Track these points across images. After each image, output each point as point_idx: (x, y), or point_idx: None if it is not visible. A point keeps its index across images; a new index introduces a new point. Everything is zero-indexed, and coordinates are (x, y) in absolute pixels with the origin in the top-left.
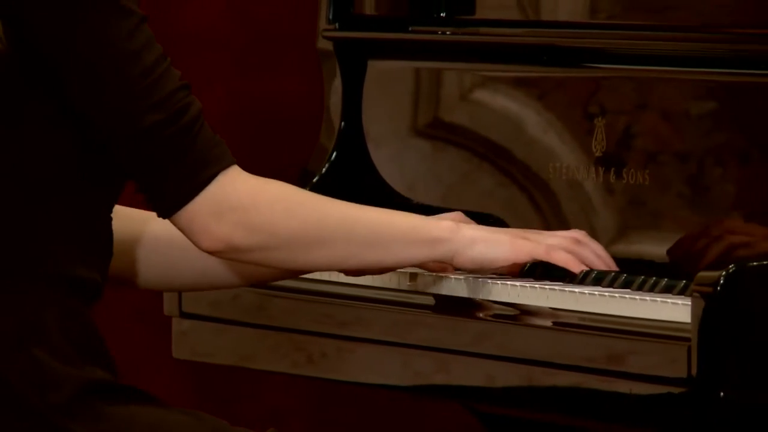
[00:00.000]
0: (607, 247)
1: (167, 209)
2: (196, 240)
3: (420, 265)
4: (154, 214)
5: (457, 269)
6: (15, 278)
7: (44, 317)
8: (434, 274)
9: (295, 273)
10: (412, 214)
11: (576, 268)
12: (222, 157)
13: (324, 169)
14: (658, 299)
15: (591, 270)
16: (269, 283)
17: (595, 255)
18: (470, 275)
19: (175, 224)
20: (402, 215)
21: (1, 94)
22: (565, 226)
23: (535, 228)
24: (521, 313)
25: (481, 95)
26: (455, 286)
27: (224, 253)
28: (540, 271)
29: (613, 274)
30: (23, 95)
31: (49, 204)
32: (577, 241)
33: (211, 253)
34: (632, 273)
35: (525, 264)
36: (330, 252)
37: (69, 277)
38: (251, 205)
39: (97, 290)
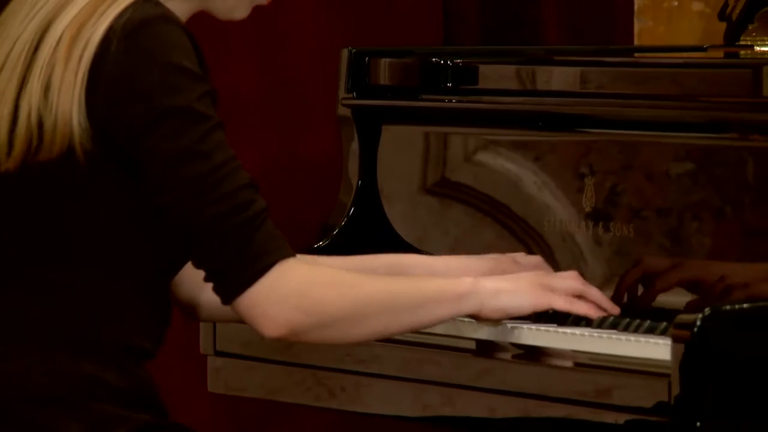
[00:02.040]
0: None
1: (229, 295)
2: (258, 326)
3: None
4: None
5: (484, 320)
6: (81, 346)
7: (102, 377)
8: None
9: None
10: (432, 264)
11: (595, 314)
12: (280, 249)
13: (343, 223)
14: (641, 339)
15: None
16: None
17: (600, 296)
18: (472, 318)
19: (237, 312)
20: (428, 280)
21: (84, 187)
22: None
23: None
24: (518, 352)
25: (484, 157)
26: (460, 329)
27: (285, 337)
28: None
29: (600, 317)
30: (102, 189)
31: (118, 284)
32: (584, 284)
33: (273, 337)
34: (618, 315)
35: None
36: (376, 324)
37: (127, 346)
38: (306, 291)
39: (149, 354)
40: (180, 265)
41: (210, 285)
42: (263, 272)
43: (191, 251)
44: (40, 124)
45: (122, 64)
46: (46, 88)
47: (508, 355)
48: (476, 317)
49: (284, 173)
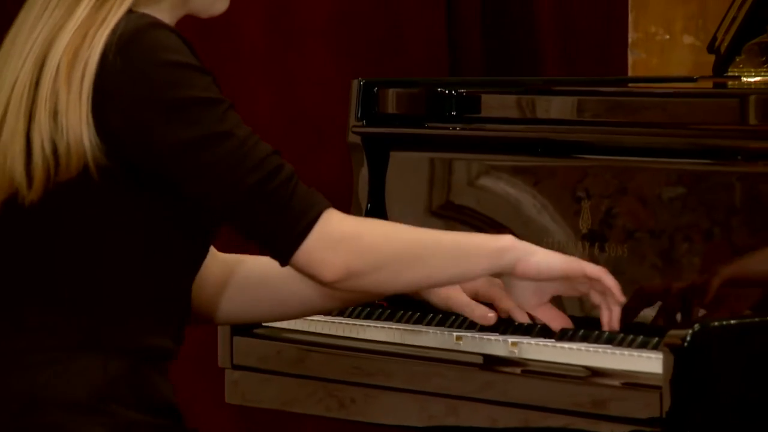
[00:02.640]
0: (590, 309)
1: (285, 254)
2: (318, 273)
3: (474, 295)
4: (245, 257)
5: (520, 277)
6: (106, 348)
7: (124, 379)
8: (447, 333)
9: (385, 295)
10: (474, 233)
11: (619, 294)
12: (321, 201)
13: None
14: (635, 353)
15: (577, 329)
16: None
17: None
18: (476, 333)
19: (295, 267)
20: (468, 234)
21: (101, 200)
22: None
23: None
24: (519, 365)
25: (486, 181)
26: (465, 344)
27: (344, 281)
28: (511, 327)
29: (596, 332)
30: (118, 200)
31: (139, 289)
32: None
33: (332, 283)
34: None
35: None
36: (425, 268)
37: (149, 346)
38: (357, 234)
39: (169, 354)
40: (197, 267)
41: (260, 254)
42: (312, 224)
43: (239, 225)
44: (55, 150)
45: (123, 74)
46: (54, 115)
47: (509, 369)
48: (512, 273)
49: None
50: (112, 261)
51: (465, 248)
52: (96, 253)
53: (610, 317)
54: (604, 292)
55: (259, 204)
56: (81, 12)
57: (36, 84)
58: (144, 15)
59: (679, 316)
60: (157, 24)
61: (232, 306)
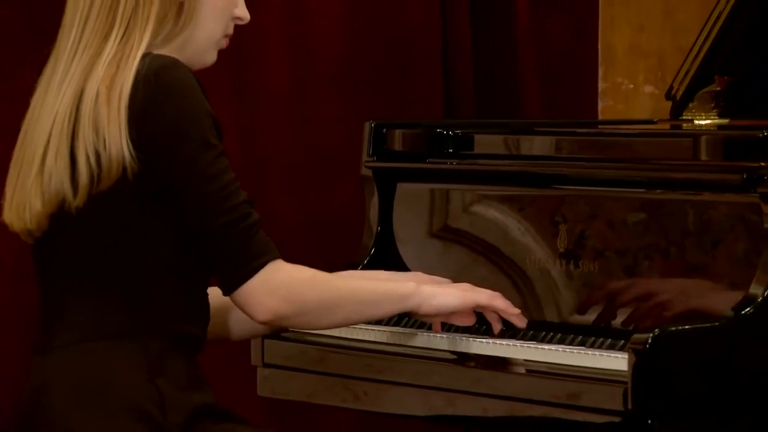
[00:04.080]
0: (566, 316)
1: (230, 287)
2: (252, 313)
3: (476, 307)
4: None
5: (423, 316)
6: (149, 334)
7: (165, 359)
8: (446, 336)
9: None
10: (383, 277)
11: (511, 310)
12: (272, 250)
13: (365, 261)
14: (604, 354)
15: (556, 333)
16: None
17: (508, 306)
18: (483, 338)
19: (234, 301)
20: (378, 281)
21: (137, 202)
22: (537, 301)
23: (515, 301)
24: (507, 364)
25: (478, 208)
26: (460, 344)
27: (272, 322)
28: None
29: (571, 336)
30: (150, 203)
31: (171, 282)
32: (498, 296)
33: (262, 322)
34: (585, 335)
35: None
36: (341, 313)
37: (183, 332)
38: (290, 284)
39: (200, 343)
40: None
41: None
42: (258, 269)
43: (204, 253)
44: (98, 159)
45: (150, 98)
46: (96, 130)
47: (498, 366)
48: (415, 313)
49: (319, 221)
50: (148, 258)
51: (375, 296)
52: (134, 250)
53: (502, 327)
54: (500, 312)
55: (223, 241)
56: (109, 50)
57: (77, 109)
58: (163, 55)
59: (641, 322)
60: (179, 63)
61: (241, 327)
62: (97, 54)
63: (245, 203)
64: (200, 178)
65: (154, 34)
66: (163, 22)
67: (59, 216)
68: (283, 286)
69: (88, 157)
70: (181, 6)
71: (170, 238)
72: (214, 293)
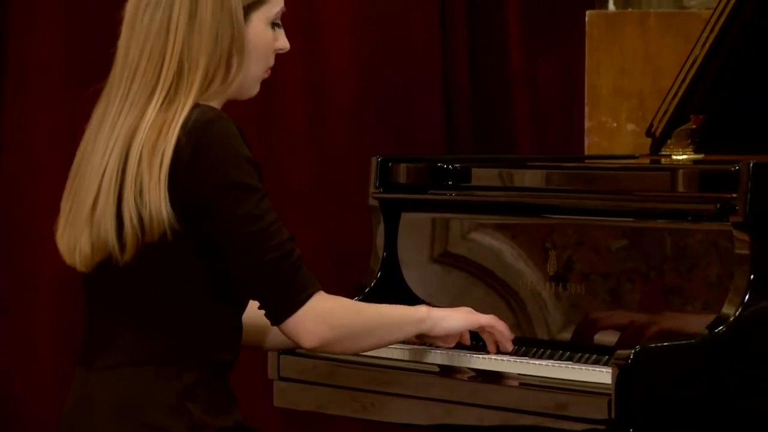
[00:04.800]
0: (555, 333)
1: (279, 319)
2: (301, 340)
3: (479, 329)
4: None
5: (434, 337)
6: (183, 362)
7: (197, 385)
8: (446, 352)
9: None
10: (397, 306)
11: (507, 333)
12: (315, 284)
13: (372, 284)
14: (590, 368)
15: (546, 349)
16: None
17: (505, 329)
18: (480, 354)
19: (283, 331)
20: (396, 307)
21: (176, 253)
22: (529, 320)
23: (508, 320)
24: (501, 377)
25: (475, 235)
26: (459, 360)
27: (319, 348)
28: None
29: (560, 352)
30: (188, 253)
31: (206, 315)
32: (498, 320)
33: (310, 348)
34: (573, 351)
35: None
36: (375, 337)
37: (213, 360)
38: (334, 313)
39: (230, 365)
40: (245, 304)
41: (263, 312)
42: (305, 301)
43: (251, 288)
44: (141, 220)
45: (192, 159)
46: (140, 194)
47: (493, 380)
48: (427, 335)
49: (330, 247)
50: (185, 299)
51: (399, 320)
52: (172, 293)
53: (497, 347)
54: (497, 333)
55: (271, 277)
56: (151, 113)
57: (122, 172)
58: (207, 108)
59: (624, 340)
60: (221, 116)
61: (274, 337)
62: (141, 114)
63: (289, 240)
64: (247, 219)
65: (201, 93)
66: (212, 83)
67: (107, 263)
68: (328, 314)
69: (131, 219)
70: (228, 65)
71: (209, 278)
72: (252, 307)
